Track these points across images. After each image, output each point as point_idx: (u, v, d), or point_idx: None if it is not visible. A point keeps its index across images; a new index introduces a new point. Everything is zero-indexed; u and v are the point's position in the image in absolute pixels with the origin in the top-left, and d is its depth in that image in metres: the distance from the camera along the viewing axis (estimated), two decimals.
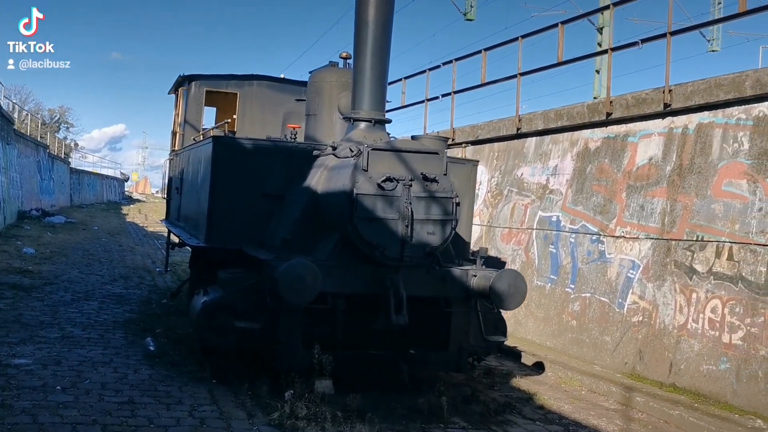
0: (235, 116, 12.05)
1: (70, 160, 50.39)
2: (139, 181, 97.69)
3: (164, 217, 14.14)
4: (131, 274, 15.77)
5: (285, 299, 6.75)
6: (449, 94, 15.03)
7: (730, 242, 8.21)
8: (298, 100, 11.38)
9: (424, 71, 16.12)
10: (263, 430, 6.12)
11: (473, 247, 10.70)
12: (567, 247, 10.89)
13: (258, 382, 7.19)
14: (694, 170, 8.95)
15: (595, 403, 8.22)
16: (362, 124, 8.06)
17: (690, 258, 8.68)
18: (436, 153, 7.56)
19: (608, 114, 10.45)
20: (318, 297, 6.82)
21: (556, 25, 11.93)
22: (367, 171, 7.13)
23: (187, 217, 10.25)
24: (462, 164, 9.13)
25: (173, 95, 13.82)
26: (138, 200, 70.81)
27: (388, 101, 8.67)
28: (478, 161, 10.64)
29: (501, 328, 8.37)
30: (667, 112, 9.46)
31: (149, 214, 42.02)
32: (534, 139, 12.47)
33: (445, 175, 7.45)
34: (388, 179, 7.14)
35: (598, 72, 25.36)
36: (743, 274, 7.96)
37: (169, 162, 13.75)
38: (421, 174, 7.29)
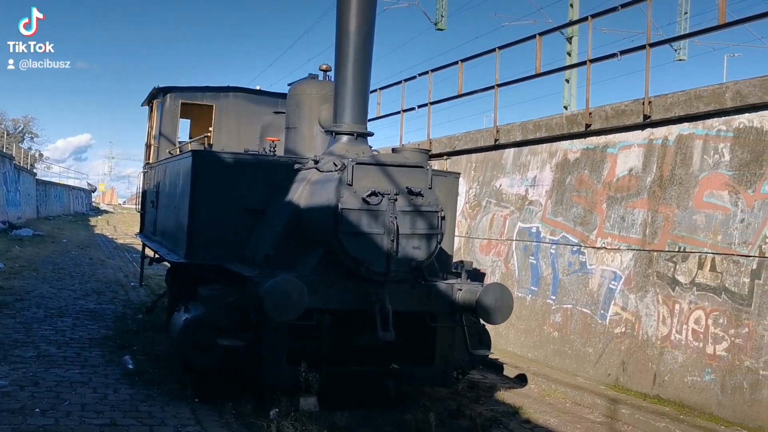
0: (211, 129, 11.89)
1: (35, 171, 49.53)
2: (106, 192, 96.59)
3: (138, 231, 13.92)
4: (104, 288, 15.48)
5: (271, 316, 6.63)
6: (425, 105, 15.02)
7: (712, 253, 8.24)
8: (276, 112, 11.27)
9: (400, 82, 16.09)
10: None
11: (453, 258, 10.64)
12: (547, 258, 10.89)
13: (242, 401, 7.06)
14: (675, 181, 8.99)
15: (580, 416, 8.19)
16: (344, 138, 7.96)
17: (672, 269, 8.70)
18: (421, 167, 7.50)
19: (587, 125, 10.48)
20: (303, 313, 6.72)
21: (533, 37, 11.96)
22: (351, 185, 7.05)
23: (165, 231, 10.08)
24: (444, 177, 9.08)
25: (147, 107, 13.63)
26: (106, 211, 69.92)
27: None
28: (459, 173, 10.62)
29: (485, 341, 8.34)
30: (647, 123, 9.50)
31: (118, 226, 41.52)
32: (512, 150, 12.47)
33: (430, 188, 7.39)
34: (373, 193, 7.06)
35: (567, 81, 25.63)
36: (726, 285, 8.00)
37: (143, 175, 13.53)
38: (406, 188, 7.23)
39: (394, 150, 9.12)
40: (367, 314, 7.09)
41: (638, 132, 9.74)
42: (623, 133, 9.99)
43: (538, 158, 11.74)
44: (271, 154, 9.02)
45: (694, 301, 8.34)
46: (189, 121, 13.61)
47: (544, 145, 11.62)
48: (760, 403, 7.40)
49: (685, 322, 8.39)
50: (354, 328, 7.26)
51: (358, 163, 7.15)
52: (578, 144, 10.87)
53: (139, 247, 15.87)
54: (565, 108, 25.82)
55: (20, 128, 66.55)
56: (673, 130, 9.19)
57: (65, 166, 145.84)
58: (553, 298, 10.56)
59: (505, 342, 11.20)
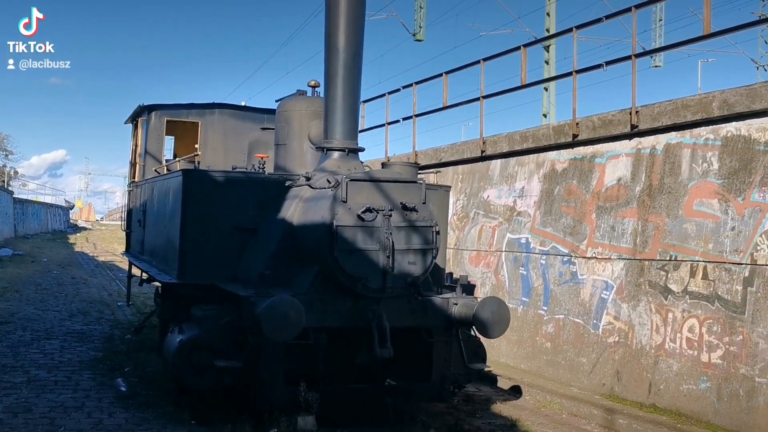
0: (197, 146, 11.80)
1: (11, 189, 48.96)
2: (83, 208, 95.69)
3: (125, 250, 13.78)
4: (89, 308, 15.30)
5: (268, 336, 6.57)
6: (410, 117, 15.02)
7: (704, 261, 8.29)
8: (264, 128, 11.21)
9: (384, 95, 16.08)
10: None
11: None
12: (538, 268, 10.90)
13: (240, 422, 6.99)
14: (664, 190, 9.04)
15: (578, 427, 8.19)
16: (335, 154, 7.93)
17: (664, 277, 8.74)
18: (415, 182, 7.48)
19: (575, 136, 10.53)
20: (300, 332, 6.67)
21: (518, 48, 12.01)
22: (346, 202, 7.01)
23: (154, 251, 9.97)
24: (435, 190, 9.07)
25: (131, 125, 13.53)
26: (84, 228, 69.10)
27: None
28: (450, 187, 10.62)
29: (481, 355, 8.30)
30: (635, 133, 9.57)
31: (98, 243, 41.06)
32: (499, 161, 12.50)
33: (424, 203, 7.38)
34: (368, 210, 7.02)
35: (546, 90, 25.83)
36: (719, 292, 8.04)
37: (129, 193, 13.40)
38: (401, 203, 7.20)
39: (383, 165, 9.09)
40: (365, 331, 7.05)
41: (626, 141, 9.79)
42: (611, 143, 10.04)
43: (525, 169, 11.78)
44: (261, 171, 8.97)
45: (687, 310, 8.38)
46: (173, 138, 13.52)
47: (532, 155, 11.66)
48: (756, 410, 7.43)
49: (679, 330, 8.42)
50: (350, 345, 7.22)
51: (352, 180, 7.12)
52: (566, 154, 10.91)
53: (122, 265, 15.73)
54: (545, 116, 26.04)
55: None
56: (661, 140, 9.25)
57: (41, 183, 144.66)
58: (545, 308, 10.57)
59: (498, 353, 11.19)
